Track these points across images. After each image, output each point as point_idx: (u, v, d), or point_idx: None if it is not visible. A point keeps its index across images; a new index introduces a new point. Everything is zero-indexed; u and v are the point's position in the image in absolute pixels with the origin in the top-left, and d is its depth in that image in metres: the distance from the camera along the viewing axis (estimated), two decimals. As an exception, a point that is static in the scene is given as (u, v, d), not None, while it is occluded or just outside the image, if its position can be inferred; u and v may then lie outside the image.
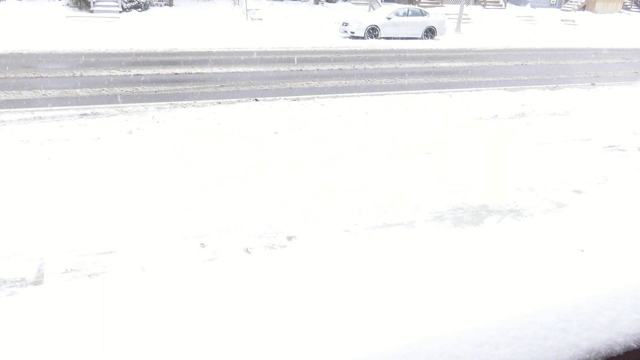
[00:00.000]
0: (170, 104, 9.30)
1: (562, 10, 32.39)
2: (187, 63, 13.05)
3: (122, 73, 11.55)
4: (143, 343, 3.23)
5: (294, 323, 3.47)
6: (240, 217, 5.06)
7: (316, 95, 10.49)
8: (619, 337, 0.71)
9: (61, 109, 8.56)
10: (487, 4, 29.73)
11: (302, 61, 14.21)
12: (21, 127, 7.55)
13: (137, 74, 11.54)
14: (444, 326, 3.32)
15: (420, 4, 26.45)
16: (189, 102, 9.47)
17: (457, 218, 5.35)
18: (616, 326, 0.72)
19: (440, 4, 28.09)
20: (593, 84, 13.19)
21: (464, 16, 24.02)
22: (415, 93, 11.21)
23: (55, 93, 9.55)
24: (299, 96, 10.34)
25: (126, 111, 8.73)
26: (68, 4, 19.77)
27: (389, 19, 19.94)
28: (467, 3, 26.02)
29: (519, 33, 23.87)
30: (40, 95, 9.34)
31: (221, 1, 23.07)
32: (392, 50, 17.33)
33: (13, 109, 8.42)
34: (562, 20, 29.39)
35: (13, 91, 9.48)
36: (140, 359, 3.10)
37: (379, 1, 25.52)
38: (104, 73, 11.49)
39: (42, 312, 3.50)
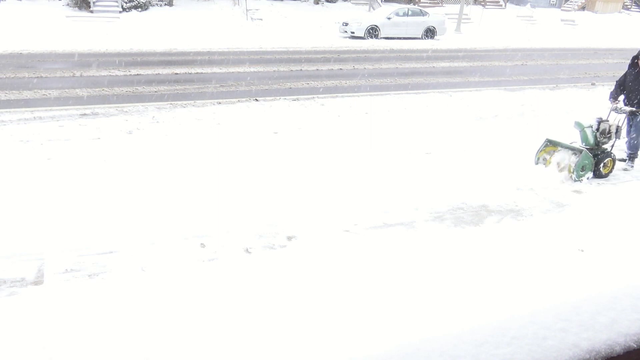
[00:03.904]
0: (170, 104, 9.29)
1: (562, 10, 32.39)
2: (187, 63, 13.05)
3: (122, 73, 11.55)
4: (143, 343, 3.23)
5: (293, 323, 3.47)
6: (240, 217, 5.06)
7: (316, 95, 10.49)
8: (619, 337, 0.71)
9: (61, 109, 8.56)
10: (487, 4, 29.72)
11: (302, 61, 14.21)
12: (21, 127, 7.55)
13: (137, 74, 11.54)
14: (444, 326, 3.32)
15: (420, 4, 26.44)
16: (189, 102, 9.47)
17: (457, 218, 5.35)
18: (616, 326, 0.72)
19: (440, 4, 28.08)
20: (593, 84, 13.19)
21: (463, 16, 24.01)
22: (415, 93, 11.20)
23: (55, 93, 9.55)
24: (299, 96, 10.34)
25: (126, 111, 8.73)
26: (68, 4, 19.76)
27: (389, 19, 19.94)
28: (467, 3, 26.02)
29: (519, 33, 23.86)
30: (40, 95, 9.34)
31: (221, 1, 23.06)
32: (392, 50, 17.33)
33: (13, 109, 8.42)
34: (562, 20, 29.38)
35: (13, 91, 9.48)
36: (140, 359, 3.10)
37: (379, 1, 25.51)
38: (104, 73, 11.49)
39: (43, 312, 3.50)
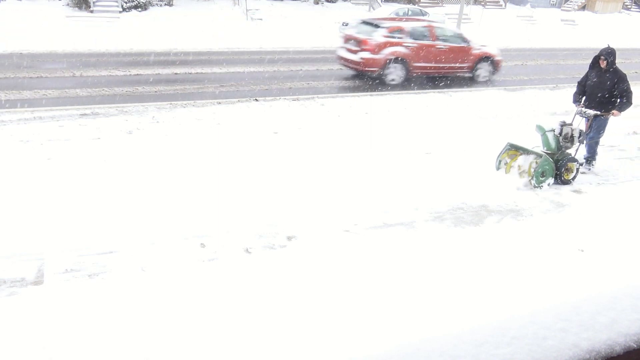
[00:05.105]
0: (170, 104, 9.30)
1: (562, 10, 32.38)
2: (187, 63, 13.05)
3: (122, 73, 11.55)
4: (143, 343, 3.23)
5: (293, 323, 3.47)
6: (240, 217, 5.06)
7: (316, 95, 10.49)
8: (619, 337, 0.71)
9: (61, 109, 8.56)
10: (487, 4, 29.72)
11: (302, 61, 14.21)
12: (21, 127, 7.55)
13: (137, 74, 11.54)
14: (444, 326, 3.32)
15: (420, 4, 26.45)
16: (189, 102, 9.47)
17: (457, 218, 5.35)
18: (616, 326, 0.72)
19: (440, 4, 28.08)
20: (593, 84, 13.17)
21: (463, 16, 23.98)
22: (415, 93, 11.21)
23: (55, 93, 9.55)
24: (299, 96, 10.34)
25: (126, 111, 8.73)
26: (68, 4, 19.76)
27: (389, 19, 19.95)
28: (467, 3, 26.01)
29: (519, 33, 23.85)
30: (40, 95, 9.34)
31: (221, 1, 23.07)
32: (392, 50, 17.30)
33: (13, 109, 8.42)
34: (562, 20, 29.37)
35: (13, 91, 9.48)
36: (140, 359, 3.10)
37: (379, 1, 25.51)
38: (104, 73, 11.49)
39: (43, 312, 3.50)
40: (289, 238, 4.75)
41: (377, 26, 11.75)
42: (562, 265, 4.40)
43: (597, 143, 6.69)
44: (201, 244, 4.56)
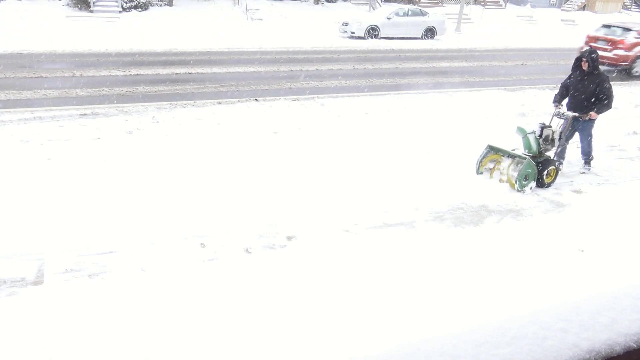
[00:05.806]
0: (170, 104, 9.29)
1: (562, 10, 32.38)
2: (187, 63, 13.04)
3: (122, 73, 11.55)
4: (143, 343, 3.23)
5: (293, 324, 3.47)
6: (240, 217, 5.06)
7: (316, 95, 10.49)
8: (619, 337, 0.71)
9: (61, 109, 8.56)
10: (487, 4, 29.71)
11: (302, 61, 14.20)
12: (21, 127, 7.55)
13: (137, 74, 11.54)
14: (444, 326, 3.32)
15: (420, 4, 26.44)
16: (189, 102, 9.47)
17: (457, 218, 5.35)
18: (616, 326, 0.72)
19: (440, 4, 28.07)
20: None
21: (463, 16, 24.00)
22: (415, 93, 11.20)
23: (55, 93, 9.55)
24: (299, 96, 10.34)
25: (126, 111, 8.73)
26: (68, 4, 19.76)
27: (389, 19, 19.93)
28: (467, 3, 26.01)
29: (519, 33, 23.85)
30: (40, 95, 9.34)
31: (221, 1, 23.06)
32: (392, 50, 17.32)
33: (13, 109, 8.42)
34: (562, 20, 29.36)
35: (13, 91, 9.48)
36: (140, 359, 3.10)
37: (379, 1, 25.51)
38: (104, 73, 11.49)
39: (43, 312, 3.50)
40: (289, 238, 4.76)
41: (627, 29, 14.39)
42: (562, 265, 4.40)
43: (589, 144, 6.64)
44: (201, 244, 4.56)
